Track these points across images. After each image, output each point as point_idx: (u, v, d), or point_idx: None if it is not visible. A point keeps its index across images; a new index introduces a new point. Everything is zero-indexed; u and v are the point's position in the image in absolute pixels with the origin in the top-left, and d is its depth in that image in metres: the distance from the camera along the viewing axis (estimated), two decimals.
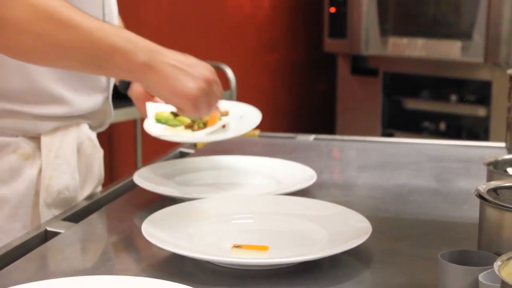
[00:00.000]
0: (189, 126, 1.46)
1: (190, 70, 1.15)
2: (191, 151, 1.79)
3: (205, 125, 1.44)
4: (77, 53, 1.11)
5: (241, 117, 1.50)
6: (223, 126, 1.46)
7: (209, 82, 1.17)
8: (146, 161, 1.54)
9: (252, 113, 1.52)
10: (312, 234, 1.13)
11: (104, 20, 1.34)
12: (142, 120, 1.51)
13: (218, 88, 1.21)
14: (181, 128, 1.49)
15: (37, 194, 1.32)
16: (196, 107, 1.17)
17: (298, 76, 4.33)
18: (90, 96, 1.37)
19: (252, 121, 1.47)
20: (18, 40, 1.09)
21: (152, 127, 1.44)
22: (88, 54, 1.11)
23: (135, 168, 1.50)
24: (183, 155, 1.78)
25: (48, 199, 1.33)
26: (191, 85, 1.15)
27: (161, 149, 1.80)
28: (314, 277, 1.00)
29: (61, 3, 1.09)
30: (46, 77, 1.29)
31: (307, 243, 1.10)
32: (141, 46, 1.12)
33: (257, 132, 1.97)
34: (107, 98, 1.44)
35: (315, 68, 4.38)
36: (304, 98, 4.38)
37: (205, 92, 1.17)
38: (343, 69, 4.08)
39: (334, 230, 1.12)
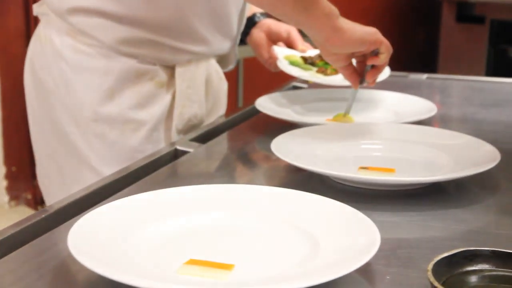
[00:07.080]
0: (321, 71, 1.55)
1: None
2: (304, 85, 1.81)
3: (336, 70, 1.48)
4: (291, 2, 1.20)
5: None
6: None
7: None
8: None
9: None
10: (438, 159, 1.13)
11: None
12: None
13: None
14: (313, 72, 1.56)
15: (169, 119, 1.41)
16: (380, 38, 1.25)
17: (402, 22, 4.27)
18: (222, 41, 1.47)
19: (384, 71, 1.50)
20: None
21: (289, 68, 1.53)
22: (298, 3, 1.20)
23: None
24: (296, 88, 1.80)
25: (179, 125, 1.42)
26: (369, 30, 1.24)
27: (276, 83, 1.83)
28: (440, 199, 1.02)
29: None
30: (194, 17, 1.36)
31: (433, 168, 1.11)
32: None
33: None
34: (234, 45, 1.53)
35: (419, 14, 4.30)
36: (407, 44, 4.32)
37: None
38: (447, 16, 3.98)
39: (461, 156, 1.12)
